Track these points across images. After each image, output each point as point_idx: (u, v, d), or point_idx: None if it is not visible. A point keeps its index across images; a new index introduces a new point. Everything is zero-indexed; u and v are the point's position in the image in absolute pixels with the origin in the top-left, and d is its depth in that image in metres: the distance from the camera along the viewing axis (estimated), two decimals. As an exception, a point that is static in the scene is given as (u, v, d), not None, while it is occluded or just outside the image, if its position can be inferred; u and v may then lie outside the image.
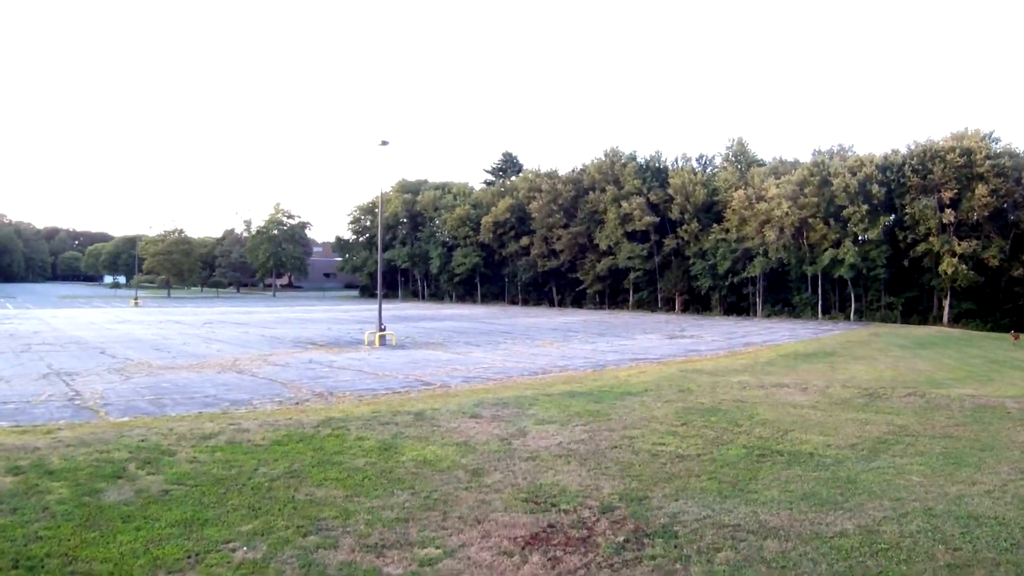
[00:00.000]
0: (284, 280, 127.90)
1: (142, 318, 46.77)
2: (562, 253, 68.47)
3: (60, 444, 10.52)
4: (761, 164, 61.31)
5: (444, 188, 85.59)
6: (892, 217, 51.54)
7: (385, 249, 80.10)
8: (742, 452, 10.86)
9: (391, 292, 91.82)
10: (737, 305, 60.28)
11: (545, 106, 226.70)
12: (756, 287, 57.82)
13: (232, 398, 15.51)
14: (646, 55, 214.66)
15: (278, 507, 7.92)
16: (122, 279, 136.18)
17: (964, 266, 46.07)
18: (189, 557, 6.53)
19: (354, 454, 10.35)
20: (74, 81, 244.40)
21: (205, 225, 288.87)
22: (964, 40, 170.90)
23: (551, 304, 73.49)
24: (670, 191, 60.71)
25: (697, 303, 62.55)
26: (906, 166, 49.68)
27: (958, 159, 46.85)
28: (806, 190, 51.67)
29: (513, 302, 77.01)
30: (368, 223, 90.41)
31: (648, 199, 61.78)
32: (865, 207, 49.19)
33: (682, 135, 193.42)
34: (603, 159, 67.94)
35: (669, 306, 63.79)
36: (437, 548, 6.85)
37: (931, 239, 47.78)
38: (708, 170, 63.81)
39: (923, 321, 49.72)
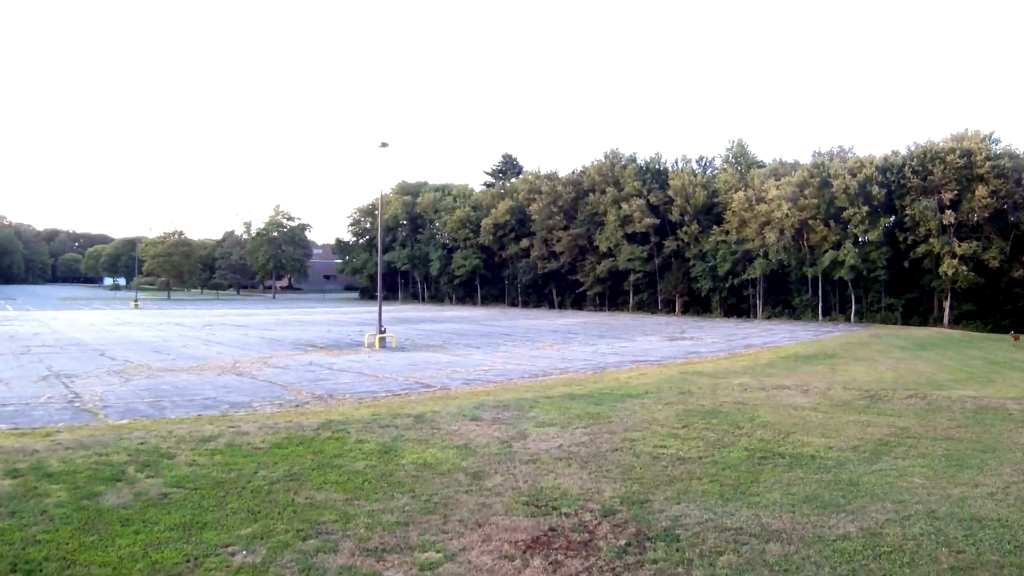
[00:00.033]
0: (284, 282, 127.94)
1: (142, 320, 46.75)
2: (562, 255, 68.44)
3: (59, 447, 10.48)
4: (761, 166, 61.30)
5: (444, 190, 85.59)
6: (892, 218, 51.48)
7: (385, 251, 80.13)
8: (743, 454, 10.83)
9: (391, 294, 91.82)
10: (737, 307, 60.23)
11: (545, 108, 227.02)
12: (756, 289, 57.78)
13: (232, 400, 15.48)
14: (646, 57, 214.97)
15: (278, 511, 7.88)
16: (122, 281, 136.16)
17: (964, 267, 46.04)
18: (188, 561, 6.49)
19: (354, 457, 10.32)
20: (75, 83, 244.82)
21: (205, 227, 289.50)
22: (964, 41, 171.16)
23: (551, 306, 73.45)
24: (670, 193, 60.68)
25: (697, 305, 62.50)
26: (906, 167, 49.67)
27: (958, 160, 46.83)
28: (806, 191, 51.65)
29: (513, 304, 76.96)
30: (368, 225, 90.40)
31: (648, 201, 61.75)
32: (865, 208, 49.16)
33: (682, 137, 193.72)
34: (603, 161, 67.92)
35: (669, 308, 63.75)
36: (437, 552, 6.81)
37: (931, 240, 47.76)
38: (708, 172, 63.79)
39: (923, 322, 49.70)
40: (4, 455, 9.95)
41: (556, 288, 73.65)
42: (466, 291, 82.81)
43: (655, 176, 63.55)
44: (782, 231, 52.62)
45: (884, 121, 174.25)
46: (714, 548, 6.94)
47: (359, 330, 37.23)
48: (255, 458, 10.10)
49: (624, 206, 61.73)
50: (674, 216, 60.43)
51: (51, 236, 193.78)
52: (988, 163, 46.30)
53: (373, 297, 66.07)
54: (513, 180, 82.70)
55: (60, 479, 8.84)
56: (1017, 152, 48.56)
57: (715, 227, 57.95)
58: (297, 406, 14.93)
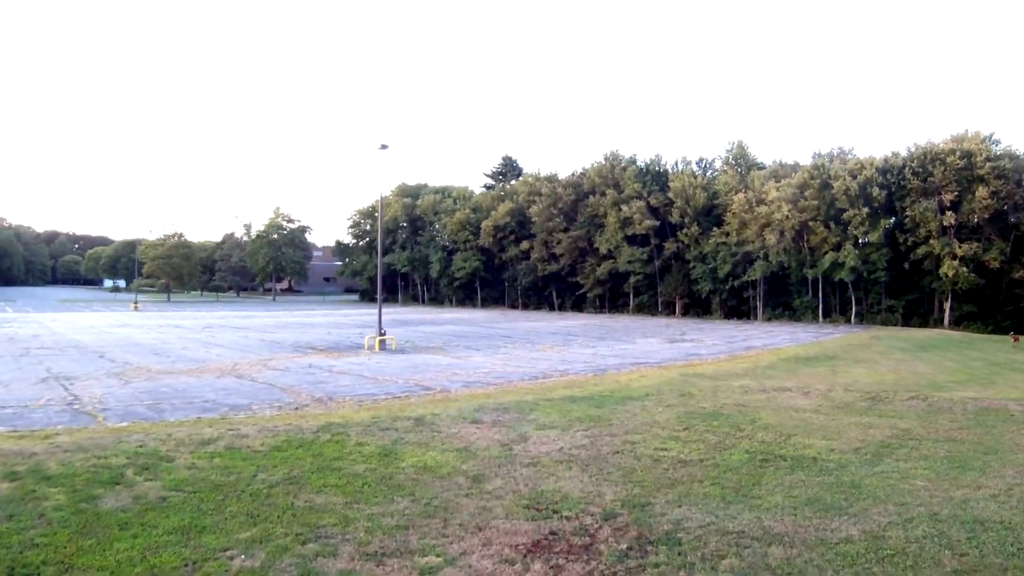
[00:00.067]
0: (284, 284, 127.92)
1: (142, 322, 46.70)
2: (562, 257, 68.41)
3: (58, 449, 10.44)
4: (761, 167, 61.28)
5: (444, 192, 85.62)
6: (892, 220, 51.48)
7: (385, 253, 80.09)
8: (745, 457, 10.79)
9: (391, 296, 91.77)
10: (737, 309, 60.19)
11: (545, 110, 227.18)
12: (756, 290, 57.74)
13: (231, 403, 15.43)
14: (646, 59, 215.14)
15: (277, 514, 7.84)
16: (122, 283, 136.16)
17: (965, 268, 46.02)
18: (186, 565, 6.46)
19: (354, 460, 10.28)
20: (75, 85, 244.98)
21: (205, 229, 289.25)
22: (964, 42, 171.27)
23: (551, 308, 73.41)
24: (670, 195, 60.66)
25: (697, 307, 62.46)
26: (906, 169, 49.66)
27: (958, 161, 46.82)
28: (806, 193, 51.65)
29: (513, 306, 76.92)
30: (368, 227, 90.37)
31: (648, 203, 61.73)
32: (865, 210, 49.14)
33: (682, 139, 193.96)
34: (603, 163, 67.92)
35: (669, 310, 63.70)
36: (438, 556, 6.77)
37: (932, 242, 47.74)
38: (708, 173, 63.77)
39: (924, 324, 49.67)
40: (2, 458, 9.91)
41: (556, 290, 73.62)
42: (466, 293, 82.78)
43: (655, 178, 63.54)
44: (782, 233, 52.60)
45: (884, 123, 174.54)
46: (716, 552, 6.90)
47: (359, 332, 37.18)
48: (254, 461, 10.06)
49: (624, 208, 61.72)
50: (674, 218, 60.42)
51: (51, 238, 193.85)
52: (988, 164, 46.30)
53: (373, 299, 66.00)
54: (513, 182, 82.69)
55: (58, 482, 8.80)
56: (1017, 153, 48.58)
57: (715, 229, 57.93)
58: (297, 409, 14.89)
